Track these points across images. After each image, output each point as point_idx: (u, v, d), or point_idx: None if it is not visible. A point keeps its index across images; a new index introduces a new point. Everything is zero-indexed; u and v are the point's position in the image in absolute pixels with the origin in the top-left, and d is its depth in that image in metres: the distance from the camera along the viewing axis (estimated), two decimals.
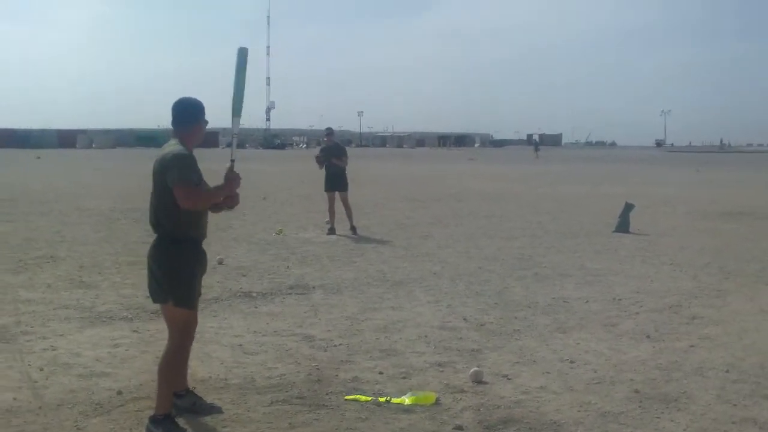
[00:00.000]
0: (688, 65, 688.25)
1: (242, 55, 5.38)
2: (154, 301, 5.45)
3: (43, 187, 28.59)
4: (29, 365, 6.66)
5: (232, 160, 5.39)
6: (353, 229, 15.95)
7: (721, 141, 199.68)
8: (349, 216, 16.17)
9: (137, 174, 38.93)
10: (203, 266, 5.46)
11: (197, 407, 5.60)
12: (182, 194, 5.04)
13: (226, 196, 5.39)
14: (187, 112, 5.38)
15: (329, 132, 17.81)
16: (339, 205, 16.28)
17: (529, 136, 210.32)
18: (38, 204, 21.78)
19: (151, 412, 5.33)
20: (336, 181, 16.49)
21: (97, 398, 5.87)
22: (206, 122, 5.46)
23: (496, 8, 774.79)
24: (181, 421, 5.35)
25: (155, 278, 5.31)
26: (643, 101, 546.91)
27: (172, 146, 5.23)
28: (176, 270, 5.24)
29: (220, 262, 11.48)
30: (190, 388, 5.75)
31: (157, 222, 5.28)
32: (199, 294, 5.46)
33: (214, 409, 5.65)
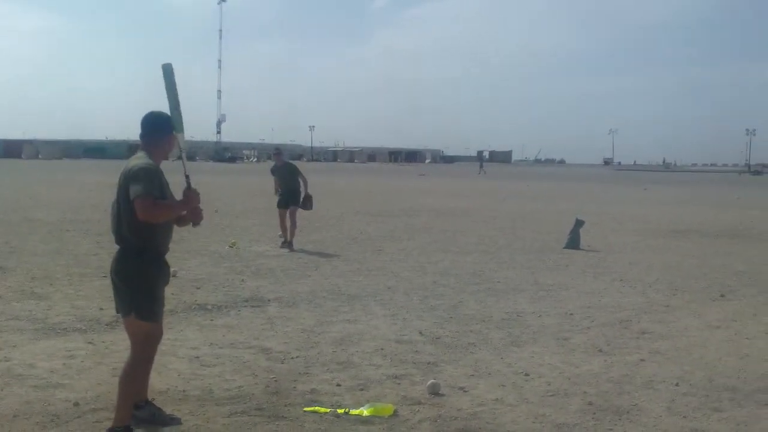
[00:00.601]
0: (635, 87, 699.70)
1: (168, 71, 5.38)
2: (118, 312, 5.44)
3: None
4: None
5: (187, 176, 5.36)
6: (290, 244, 15.83)
7: (664, 160, 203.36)
8: (292, 231, 16.05)
9: (86, 185, 38.56)
10: (166, 279, 5.47)
11: (156, 418, 5.59)
12: (140, 207, 4.99)
13: (190, 212, 5.35)
14: (155, 125, 5.38)
15: (278, 152, 17.68)
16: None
17: (479, 152, 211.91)
18: None
19: (110, 423, 5.32)
20: (289, 198, 16.41)
21: (53, 409, 5.83)
22: (174, 136, 5.45)
23: (446, 29, 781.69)
24: None
25: (118, 291, 5.29)
26: (592, 120, 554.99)
27: (138, 159, 5.22)
28: (139, 283, 5.22)
29: (174, 275, 11.35)
30: (150, 400, 5.74)
31: (120, 235, 5.25)
32: (163, 305, 5.46)
33: (173, 421, 5.64)
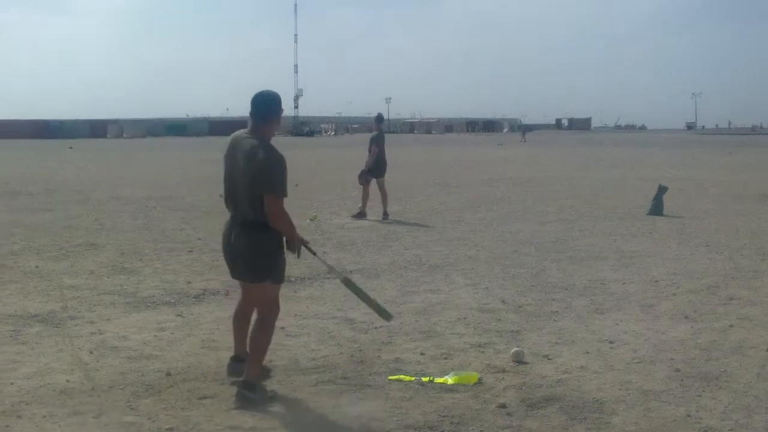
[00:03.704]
0: (718, 47, 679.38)
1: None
2: (235, 278, 5.84)
3: (78, 177, 28.98)
4: (79, 349, 6.83)
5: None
6: (386, 214, 16.04)
7: (729, 123, 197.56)
8: (384, 201, 16.25)
9: (169, 163, 39.38)
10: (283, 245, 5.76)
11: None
12: (272, 206, 5.43)
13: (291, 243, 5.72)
14: (268, 107, 5.68)
15: (379, 119, 17.62)
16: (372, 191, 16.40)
17: (558, 120, 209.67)
18: (75, 193, 22.10)
19: (202, 393, 5.53)
20: (375, 168, 16.53)
21: (147, 379, 6.02)
22: (282, 111, 5.79)
23: None
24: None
25: (246, 262, 5.60)
26: (674, 84, 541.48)
27: (255, 140, 5.53)
28: (270, 252, 5.58)
29: None
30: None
31: (243, 210, 5.57)
32: None
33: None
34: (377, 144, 16.55)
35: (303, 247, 5.78)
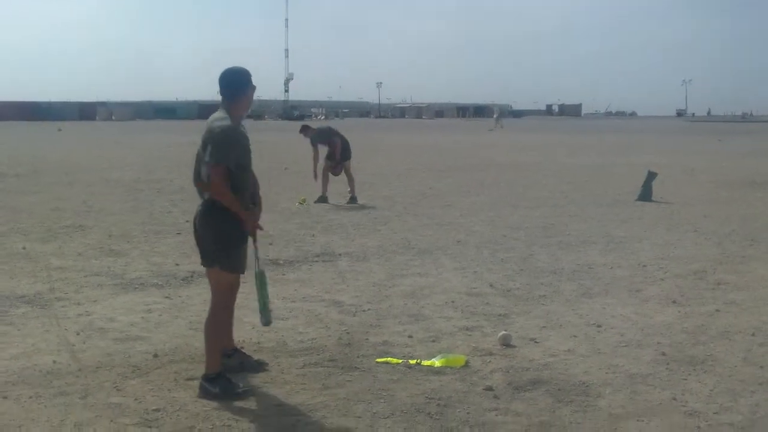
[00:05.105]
0: (708, 35, 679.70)
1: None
2: (203, 264, 5.65)
3: (67, 159, 28.84)
4: (66, 330, 6.81)
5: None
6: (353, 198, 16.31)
7: (709, 111, 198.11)
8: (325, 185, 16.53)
9: (158, 145, 39.17)
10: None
11: (245, 366, 5.79)
12: (213, 173, 5.21)
13: (249, 227, 5.49)
14: (234, 83, 5.48)
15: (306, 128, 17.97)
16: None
17: (549, 106, 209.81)
18: (63, 175, 22.00)
19: (188, 374, 5.53)
20: (342, 153, 16.76)
21: (134, 361, 6.01)
22: (254, 88, 5.54)
23: None
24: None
25: (202, 243, 5.50)
26: (664, 71, 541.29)
27: (220, 119, 5.35)
28: (223, 236, 5.40)
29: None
30: (239, 348, 5.94)
31: (202, 189, 5.42)
32: (245, 256, 5.61)
33: (260, 366, 5.83)
34: (335, 136, 16.85)
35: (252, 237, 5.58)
